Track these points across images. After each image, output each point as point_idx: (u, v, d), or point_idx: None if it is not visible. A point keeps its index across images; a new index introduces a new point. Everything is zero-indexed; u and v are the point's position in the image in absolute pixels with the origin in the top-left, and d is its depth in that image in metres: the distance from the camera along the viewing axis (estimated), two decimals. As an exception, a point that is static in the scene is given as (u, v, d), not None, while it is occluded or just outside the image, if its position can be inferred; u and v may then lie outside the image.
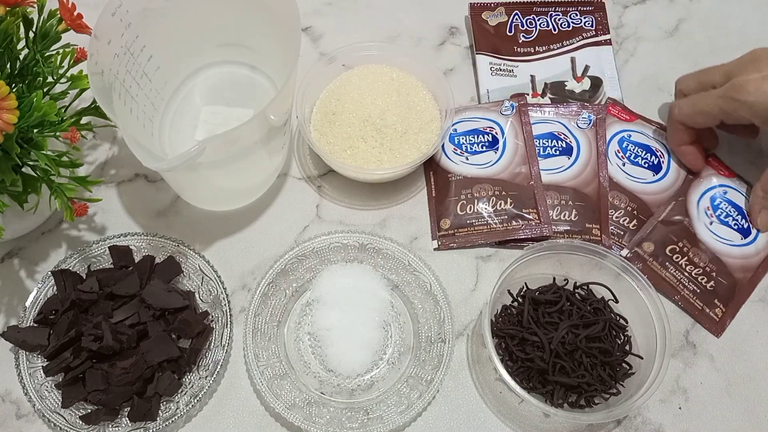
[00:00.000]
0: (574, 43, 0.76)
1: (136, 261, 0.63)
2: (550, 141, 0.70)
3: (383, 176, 0.67)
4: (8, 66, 0.55)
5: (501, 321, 0.61)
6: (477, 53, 0.76)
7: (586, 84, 0.74)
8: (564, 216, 0.67)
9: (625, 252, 0.65)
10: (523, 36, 0.77)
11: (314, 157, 0.71)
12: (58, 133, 0.54)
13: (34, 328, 0.59)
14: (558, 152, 0.69)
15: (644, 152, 0.70)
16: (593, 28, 0.77)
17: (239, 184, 0.67)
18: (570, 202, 0.67)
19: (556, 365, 0.57)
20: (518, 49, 0.76)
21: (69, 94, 0.60)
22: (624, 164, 0.69)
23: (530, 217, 0.66)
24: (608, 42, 0.77)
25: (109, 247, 0.63)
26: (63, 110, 0.59)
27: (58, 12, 0.57)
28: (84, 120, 0.60)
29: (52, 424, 0.56)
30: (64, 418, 0.56)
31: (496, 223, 0.66)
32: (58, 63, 0.58)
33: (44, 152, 0.54)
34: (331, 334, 0.60)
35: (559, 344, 0.57)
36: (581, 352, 0.57)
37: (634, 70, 0.77)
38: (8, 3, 0.55)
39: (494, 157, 0.69)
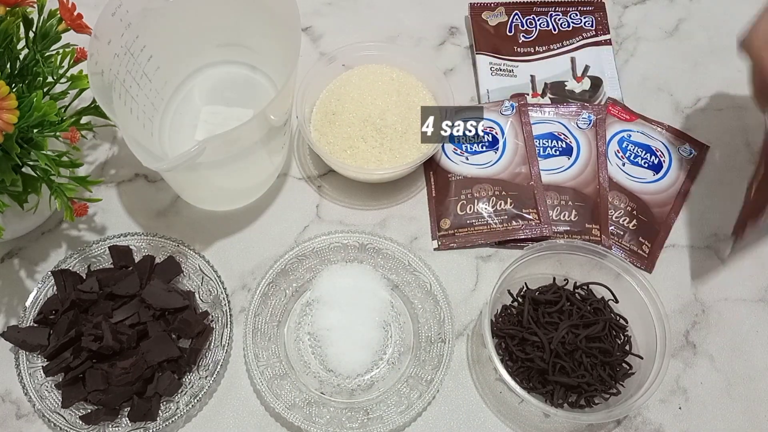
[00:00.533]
0: (574, 43, 0.76)
1: (136, 261, 0.63)
2: (550, 141, 0.70)
3: (383, 176, 0.67)
4: (8, 66, 0.56)
5: (501, 321, 0.61)
6: (477, 53, 0.76)
7: (586, 84, 0.74)
8: (564, 216, 0.67)
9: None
10: (523, 36, 0.77)
11: (314, 157, 0.71)
12: (58, 133, 0.54)
13: (34, 328, 0.59)
14: (558, 152, 0.69)
15: (644, 152, 0.70)
16: (593, 28, 0.77)
17: (239, 184, 0.67)
18: (570, 203, 0.67)
19: (556, 365, 0.57)
20: (518, 49, 0.76)
21: (69, 94, 0.60)
22: (624, 164, 0.69)
23: (530, 217, 0.66)
24: (608, 42, 0.76)
25: (109, 247, 0.63)
26: (63, 110, 0.59)
27: (58, 12, 0.57)
28: (84, 120, 0.60)
29: (52, 424, 0.56)
30: (64, 418, 0.56)
31: (496, 223, 0.66)
32: (58, 63, 0.58)
33: (44, 152, 0.54)
34: (331, 334, 0.60)
35: (559, 344, 0.57)
36: (581, 352, 0.57)
37: (634, 70, 0.77)
38: (8, 3, 0.55)
39: (494, 157, 0.69)
